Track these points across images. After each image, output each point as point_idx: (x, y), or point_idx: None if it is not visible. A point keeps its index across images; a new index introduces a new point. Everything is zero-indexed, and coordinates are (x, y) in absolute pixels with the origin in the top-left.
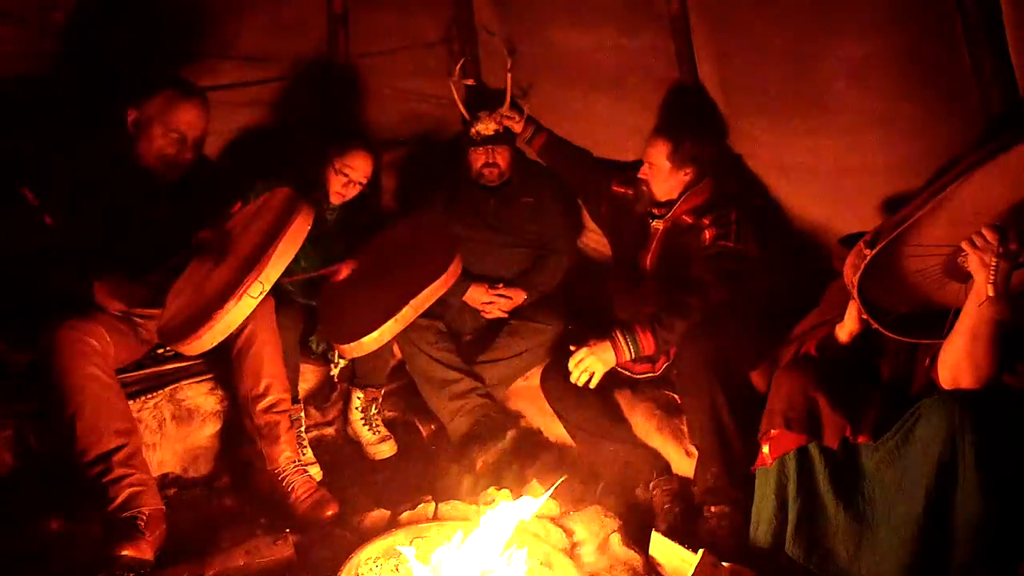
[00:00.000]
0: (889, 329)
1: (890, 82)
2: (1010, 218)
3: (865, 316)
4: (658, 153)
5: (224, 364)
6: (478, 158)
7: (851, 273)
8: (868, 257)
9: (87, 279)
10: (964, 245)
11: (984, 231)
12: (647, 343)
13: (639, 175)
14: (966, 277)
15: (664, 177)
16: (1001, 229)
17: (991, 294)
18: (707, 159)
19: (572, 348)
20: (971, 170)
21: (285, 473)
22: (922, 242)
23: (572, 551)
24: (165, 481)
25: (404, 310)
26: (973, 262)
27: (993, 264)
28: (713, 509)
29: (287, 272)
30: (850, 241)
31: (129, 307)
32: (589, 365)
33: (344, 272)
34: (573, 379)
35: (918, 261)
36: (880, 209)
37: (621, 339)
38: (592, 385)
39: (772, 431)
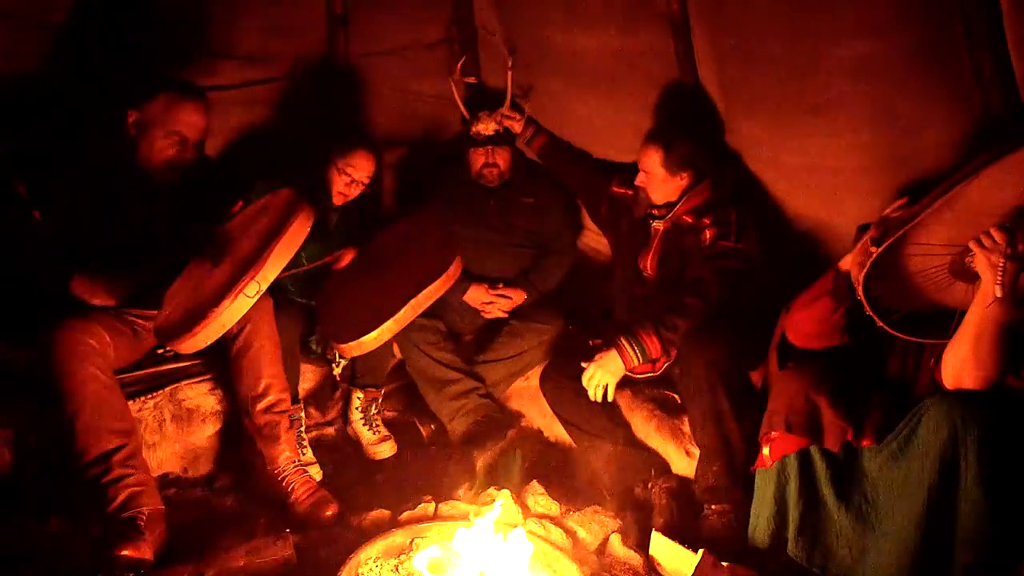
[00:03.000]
0: (894, 328)
1: (889, 81)
2: (1019, 219)
3: (869, 313)
4: (651, 161)
5: (224, 364)
6: (478, 158)
7: (857, 271)
8: (874, 255)
9: (69, 274)
10: (972, 245)
11: (992, 232)
12: (652, 346)
13: (636, 183)
14: (973, 277)
15: (660, 183)
16: (1010, 230)
17: (998, 295)
18: (702, 161)
19: (583, 364)
20: (978, 170)
21: (285, 473)
22: (929, 241)
23: (572, 551)
24: (165, 481)
25: (404, 310)
26: (981, 263)
27: (1001, 265)
28: (714, 508)
29: (289, 267)
30: (870, 228)
31: (111, 302)
32: (599, 379)
33: (346, 259)
34: (590, 396)
35: (925, 260)
36: (881, 207)
37: (627, 345)
38: (610, 398)
39: (773, 433)
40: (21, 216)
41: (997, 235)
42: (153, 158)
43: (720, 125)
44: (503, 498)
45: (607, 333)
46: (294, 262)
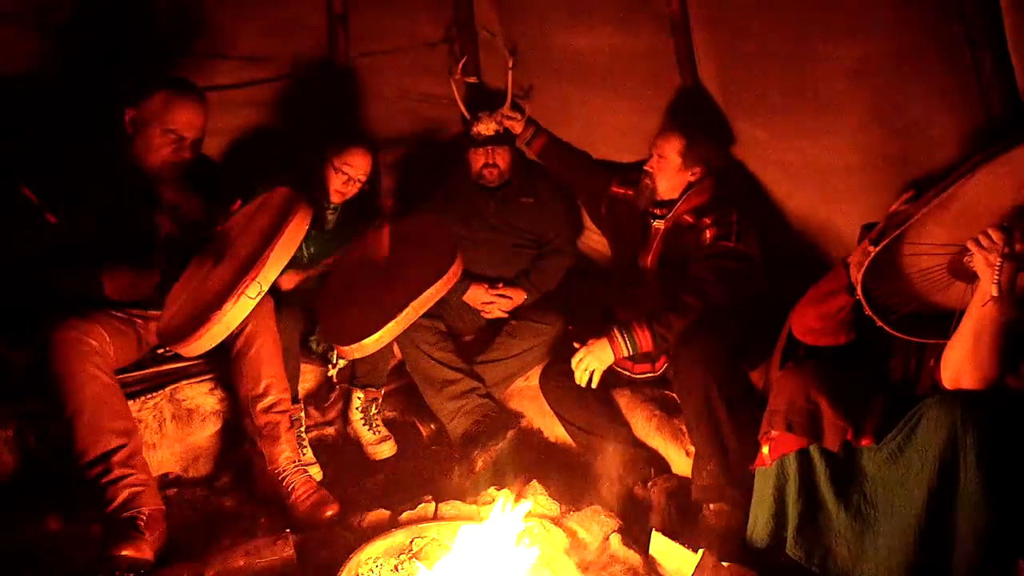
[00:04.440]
0: (893, 328)
1: (889, 80)
2: (1016, 218)
3: (868, 312)
4: (671, 148)
5: (224, 364)
6: (478, 159)
7: (855, 270)
8: (872, 254)
9: (95, 273)
10: (970, 245)
11: (990, 231)
12: (644, 340)
13: (646, 167)
14: (972, 277)
15: (672, 173)
16: (1007, 230)
17: (995, 295)
18: (716, 161)
19: (576, 345)
20: (974, 169)
21: (285, 473)
22: (927, 241)
23: (572, 551)
24: (165, 481)
25: (405, 311)
26: (978, 262)
27: (998, 264)
28: (711, 508)
29: (290, 266)
30: (873, 227)
31: (140, 297)
32: (587, 364)
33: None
34: (576, 379)
35: (923, 260)
36: (882, 207)
37: (618, 336)
38: (594, 385)
39: (772, 432)
40: (34, 220)
41: (995, 235)
42: (150, 156)
43: (731, 130)
44: (504, 497)
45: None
46: (295, 260)
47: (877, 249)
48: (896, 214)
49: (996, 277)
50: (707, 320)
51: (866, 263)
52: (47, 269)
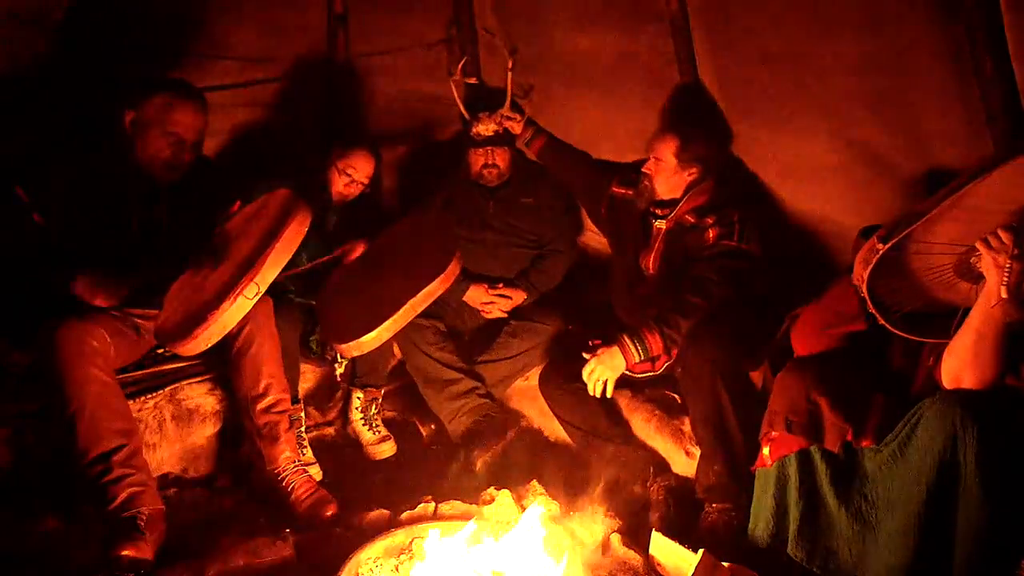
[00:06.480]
0: (895, 326)
1: (889, 79)
2: None
3: (871, 311)
4: (666, 149)
5: (224, 364)
6: (478, 159)
7: (862, 268)
8: (880, 252)
9: (71, 276)
10: (978, 245)
11: (1000, 232)
12: (654, 343)
13: (643, 169)
14: (978, 278)
15: (669, 174)
16: (1017, 231)
17: (1004, 296)
18: (712, 160)
19: (585, 356)
20: (988, 171)
21: (285, 473)
22: (935, 240)
23: (572, 551)
24: (165, 481)
25: (403, 309)
26: (987, 263)
27: (1007, 266)
28: (714, 507)
29: (291, 266)
30: (870, 232)
31: (110, 303)
32: (599, 374)
33: (357, 251)
34: (589, 390)
35: (930, 259)
36: (881, 206)
37: (629, 342)
38: (608, 394)
39: (773, 433)
40: (22, 220)
41: (1004, 236)
42: (150, 158)
43: (729, 129)
44: (503, 498)
45: (607, 332)
46: (294, 262)
47: (887, 247)
48: (906, 213)
49: (1005, 278)
50: (711, 320)
51: (873, 261)
52: (31, 269)
